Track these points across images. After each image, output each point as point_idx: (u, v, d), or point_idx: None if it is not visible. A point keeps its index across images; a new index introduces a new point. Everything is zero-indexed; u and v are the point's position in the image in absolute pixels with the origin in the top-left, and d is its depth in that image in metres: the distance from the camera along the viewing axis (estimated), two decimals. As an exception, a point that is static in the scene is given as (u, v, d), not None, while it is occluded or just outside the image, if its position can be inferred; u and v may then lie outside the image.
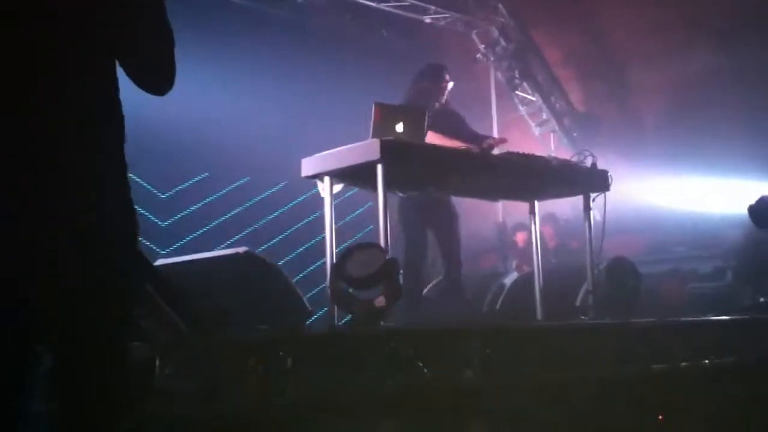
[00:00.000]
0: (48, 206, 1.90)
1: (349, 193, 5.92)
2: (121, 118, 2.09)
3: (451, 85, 6.44)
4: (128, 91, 2.13)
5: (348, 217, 6.71)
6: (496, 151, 6.08)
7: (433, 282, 7.22)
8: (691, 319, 5.97)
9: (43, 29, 1.95)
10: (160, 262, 4.89)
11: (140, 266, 2.44)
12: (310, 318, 4.91)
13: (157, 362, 3.41)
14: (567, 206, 9.09)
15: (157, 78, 2.14)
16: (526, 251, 8.65)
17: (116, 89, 2.09)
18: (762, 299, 6.94)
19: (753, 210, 6.63)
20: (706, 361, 5.33)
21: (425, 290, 7.28)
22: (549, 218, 9.65)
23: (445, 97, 6.41)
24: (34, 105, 1.93)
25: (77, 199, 1.94)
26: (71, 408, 1.96)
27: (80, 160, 1.96)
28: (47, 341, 1.99)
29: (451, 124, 6.27)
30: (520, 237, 9.82)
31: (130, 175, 2.08)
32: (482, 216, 10.11)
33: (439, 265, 6.88)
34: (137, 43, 2.09)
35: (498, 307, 7.03)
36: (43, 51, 1.95)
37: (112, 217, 2.00)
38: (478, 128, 6.82)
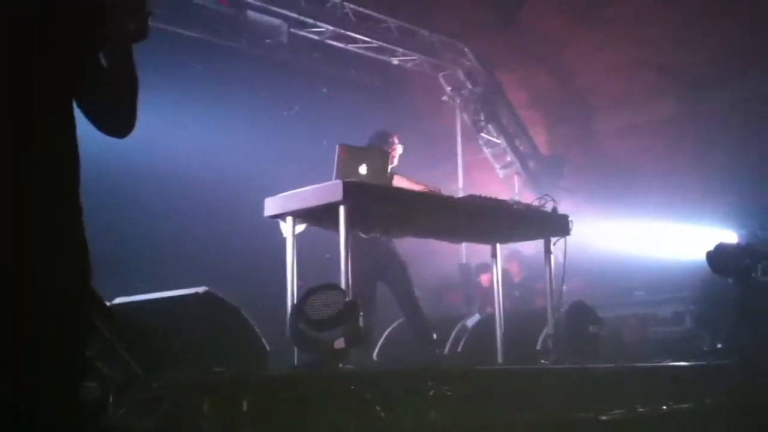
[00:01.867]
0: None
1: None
2: (77, 159, 2.07)
3: (400, 149, 6.52)
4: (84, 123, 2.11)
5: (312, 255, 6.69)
6: (459, 194, 6.13)
7: (400, 320, 7.23)
8: (649, 364, 6.01)
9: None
10: (117, 300, 4.82)
11: (93, 305, 2.40)
12: (268, 359, 4.86)
13: (111, 402, 3.36)
14: (531, 246, 9.18)
15: (118, 122, 2.13)
16: (490, 292, 8.70)
17: (74, 129, 2.07)
18: (719, 345, 7.02)
19: (711, 257, 6.75)
20: (664, 407, 5.37)
21: (390, 328, 7.30)
22: (515, 255, 9.74)
23: (396, 161, 6.47)
24: None
25: (27, 238, 1.92)
26: None
27: (32, 200, 1.94)
28: None
29: None
30: (484, 278, 9.87)
31: (88, 209, 2.06)
32: (445, 256, 10.15)
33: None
34: (99, 87, 2.08)
35: (460, 349, 7.03)
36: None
37: (64, 256, 1.98)
38: (443, 168, 6.90)
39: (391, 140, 6.54)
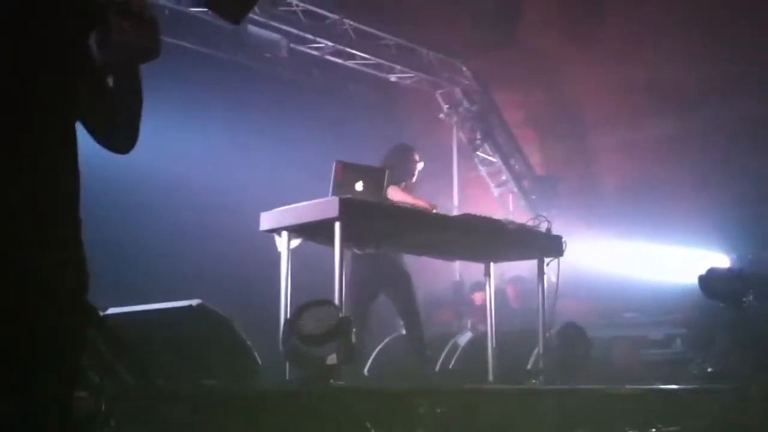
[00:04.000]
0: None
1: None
2: (78, 173, 2.09)
3: (420, 165, 6.53)
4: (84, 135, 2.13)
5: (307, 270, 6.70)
6: (454, 212, 6.17)
7: (393, 335, 7.24)
8: (638, 386, 6.03)
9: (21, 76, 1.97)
10: (111, 311, 4.83)
11: (87, 316, 2.42)
12: (260, 372, 4.86)
13: (102, 413, 3.36)
14: (525, 268, 9.17)
15: (120, 140, 2.15)
16: (482, 310, 8.69)
17: (75, 143, 2.10)
18: (710, 369, 7.03)
19: (703, 280, 6.79)
20: (653, 430, 5.38)
21: (383, 343, 7.31)
22: (515, 279, 9.70)
23: (415, 177, 6.50)
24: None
25: (25, 249, 1.93)
26: None
27: (33, 214, 1.96)
28: None
29: None
30: (477, 296, 9.85)
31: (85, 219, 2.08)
32: (437, 273, 10.15)
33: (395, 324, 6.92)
34: (102, 106, 2.10)
35: (451, 366, 7.04)
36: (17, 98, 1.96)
37: (63, 269, 2.00)
38: (438, 183, 6.93)
39: (411, 156, 6.55)
